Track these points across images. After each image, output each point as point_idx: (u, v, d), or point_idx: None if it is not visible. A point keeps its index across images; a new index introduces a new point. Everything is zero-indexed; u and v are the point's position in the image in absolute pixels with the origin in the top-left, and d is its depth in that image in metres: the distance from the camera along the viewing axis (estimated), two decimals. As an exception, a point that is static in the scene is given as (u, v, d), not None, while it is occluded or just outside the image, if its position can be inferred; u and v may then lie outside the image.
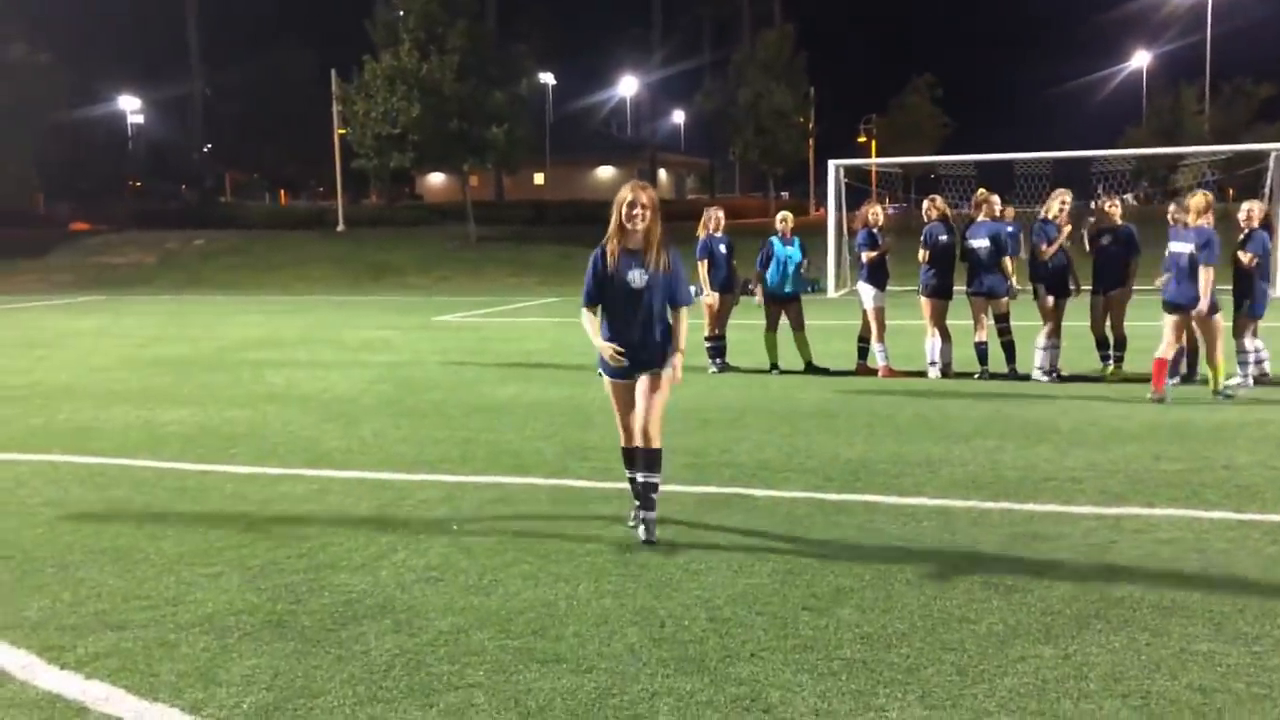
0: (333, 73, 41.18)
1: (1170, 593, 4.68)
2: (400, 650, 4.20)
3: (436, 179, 61.53)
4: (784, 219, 12.43)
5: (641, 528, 5.57)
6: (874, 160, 34.89)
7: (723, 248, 12.15)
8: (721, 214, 12.42)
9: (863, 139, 58.71)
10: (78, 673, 4.05)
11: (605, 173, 65.17)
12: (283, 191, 77.74)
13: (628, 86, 76.32)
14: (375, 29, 36.92)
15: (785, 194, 62.64)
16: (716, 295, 12.08)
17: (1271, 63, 64.46)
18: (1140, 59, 70.97)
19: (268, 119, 56.00)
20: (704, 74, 61.63)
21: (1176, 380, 10.56)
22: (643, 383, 5.56)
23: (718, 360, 12.33)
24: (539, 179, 61.09)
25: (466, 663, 4.07)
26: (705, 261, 12.08)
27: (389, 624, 4.49)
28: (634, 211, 5.44)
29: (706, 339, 12.40)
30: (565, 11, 74.75)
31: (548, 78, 57.73)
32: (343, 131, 40.38)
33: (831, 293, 24.65)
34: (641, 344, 5.55)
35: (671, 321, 5.63)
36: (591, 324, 5.63)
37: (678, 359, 5.59)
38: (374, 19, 37.26)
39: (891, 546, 5.47)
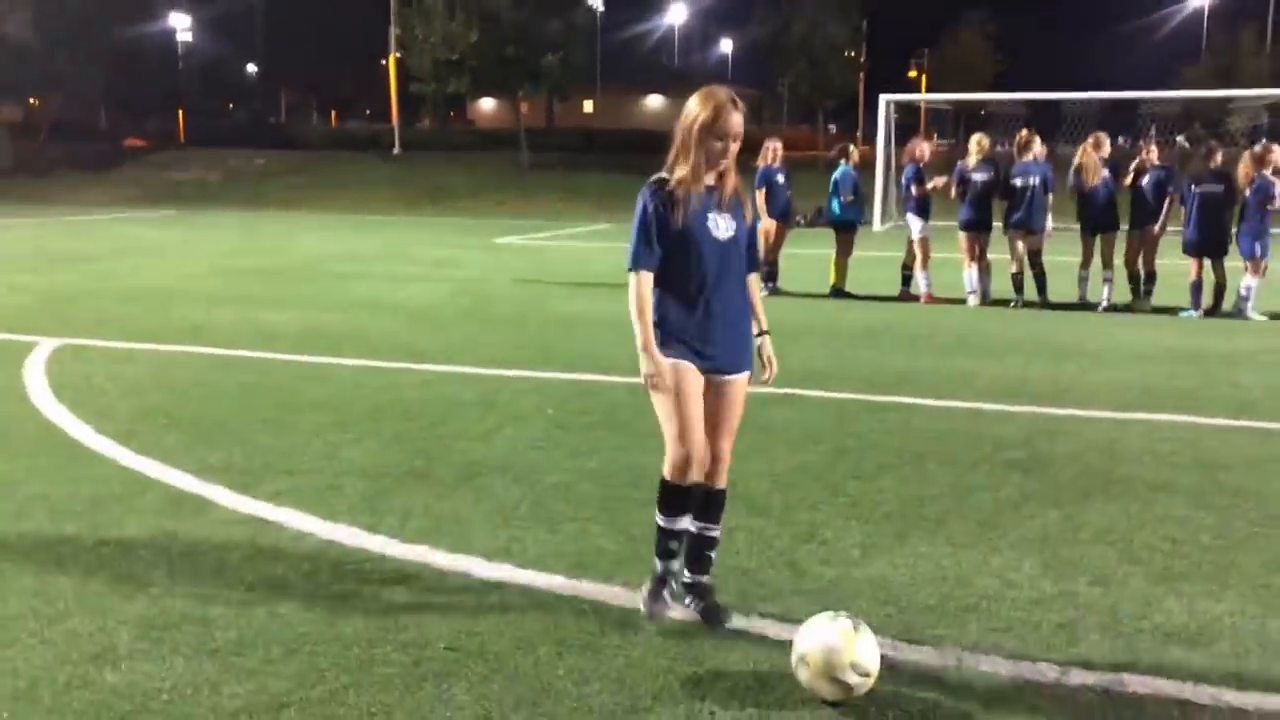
0: (392, -5, 41.81)
1: (1162, 475, 5.58)
2: (523, 495, 5.19)
3: (487, 104, 62.22)
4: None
5: (695, 602, 3.84)
6: (924, 96, 35.12)
7: (780, 178, 12.96)
8: (780, 145, 13.19)
9: (914, 74, 58.50)
10: (268, 502, 5.07)
11: (654, 101, 65.47)
12: (334, 112, 78.78)
13: (677, 14, 76.15)
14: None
15: (834, 127, 62.69)
16: (775, 223, 12.92)
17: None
18: (1198, -1, 69.60)
19: (322, 40, 56.77)
20: (753, 2, 61.51)
21: (1199, 313, 11.33)
22: (724, 390, 3.80)
23: (769, 284, 13.19)
24: (588, 107, 61.55)
25: (579, 504, 5.06)
26: (764, 190, 12.89)
27: (510, 477, 5.48)
28: (727, 149, 3.65)
29: (765, 263, 13.28)
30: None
31: (597, 3, 57.94)
32: (397, 54, 41.11)
33: (878, 226, 25.29)
34: (727, 330, 3.75)
35: (750, 295, 3.89)
36: (644, 303, 3.66)
37: (769, 344, 3.97)
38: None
39: (928, 436, 6.39)
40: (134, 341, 9.37)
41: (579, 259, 18.56)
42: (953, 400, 7.37)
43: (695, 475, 3.76)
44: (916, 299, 12.62)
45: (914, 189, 12.69)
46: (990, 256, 12.47)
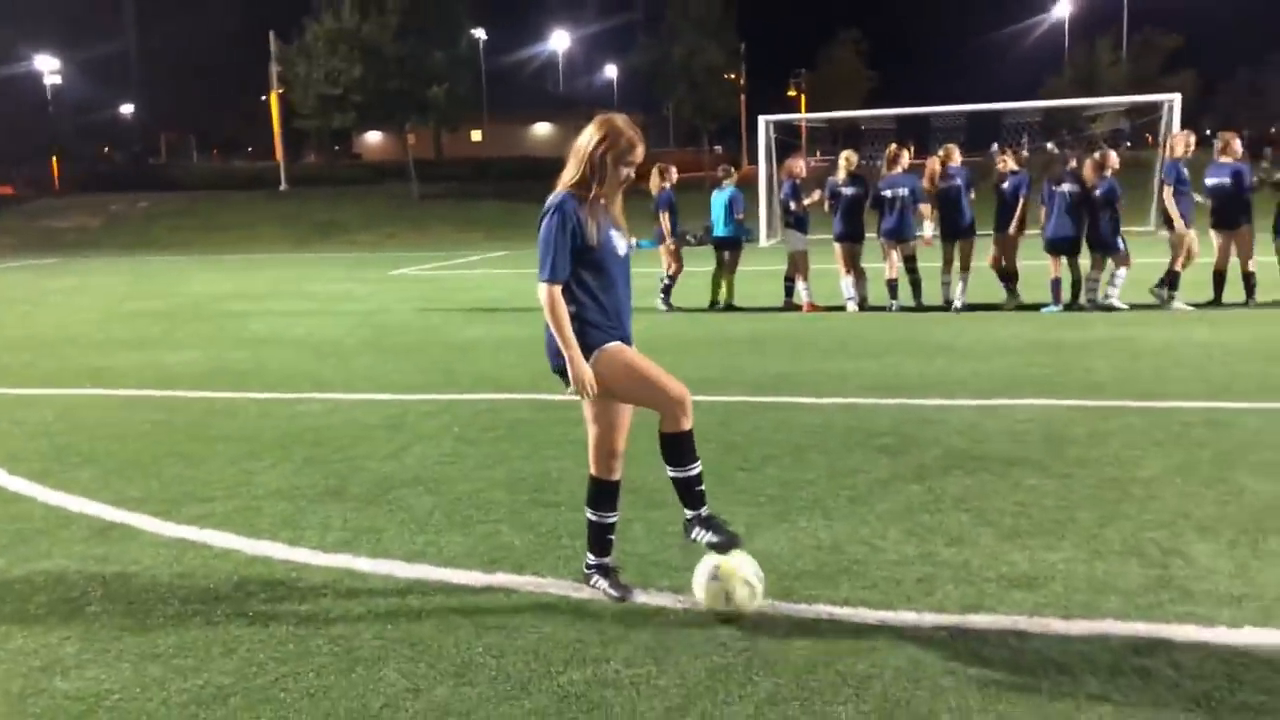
0: (271, 34, 41.55)
1: (1015, 451, 6.20)
2: (435, 505, 5.55)
3: (374, 137, 61.94)
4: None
5: (606, 583, 4.23)
6: (800, 116, 36.31)
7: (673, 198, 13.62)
8: (674, 168, 13.87)
9: (793, 93, 60.15)
10: (192, 526, 5.34)
11: (543, 129, 65.96)
12: (215, 151, 77.46)
13: (560, 41, 76.98)
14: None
15: (719, 148, 64.01)
16: (675, 243, 13.61)
17: (1178, 14, 66.85)
18: (1062, 9, 73.09)
19: (200, 79, 55.91)
20: (636, 29, 62.64)
21: (1059, 307, 12.20)
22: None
23: (667, 302, 13.73)
24: (477, 136, 61.72)
25: (489, 509, 5.44)
26: (667, 212, 13.48)
27: (422, 489, 5.84)
28: (639, 160, 3.98)
29: (669, 278, 13.78)
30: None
31: (479, 33, 58.26)
32: (279, 91, 40.88)
33: (764, 241, 26.10)
34: (628, 319, 4.20)
35: None
36: (561, 311, 3.91)
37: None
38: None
39: (808, 429, 6.92)
40: (34, 388, 9.43)
41: (475, 286, 18.88)
42: (831, 397, 7.94)
43: (686, 422, 4.10)
44: (799, 308, 13.27)
45: (792, 204, 13.37)
46: (869, 265, 13.19)
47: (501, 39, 69.28)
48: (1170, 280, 12.20)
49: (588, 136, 3.96)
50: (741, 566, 3.99)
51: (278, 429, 7.50)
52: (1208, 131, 13.19)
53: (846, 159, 13.15)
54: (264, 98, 48.86)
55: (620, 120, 4.01)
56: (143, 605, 4.30)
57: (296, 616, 4.15)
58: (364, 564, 4.70)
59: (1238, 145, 12.27)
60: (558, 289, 3.92)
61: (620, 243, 4.08)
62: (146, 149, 65.32)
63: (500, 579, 4.47)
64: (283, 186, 43.38)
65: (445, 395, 8.56)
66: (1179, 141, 12.35)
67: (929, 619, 3.93)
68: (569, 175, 3.97)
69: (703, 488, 4.19)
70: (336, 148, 62.58)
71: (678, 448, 4.11)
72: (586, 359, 3.98)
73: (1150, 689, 3.36)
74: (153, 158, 63.78)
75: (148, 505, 5.71)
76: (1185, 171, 12.02)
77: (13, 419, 8.06)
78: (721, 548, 4.03)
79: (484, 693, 3.50)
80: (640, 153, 3.97)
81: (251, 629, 4.04)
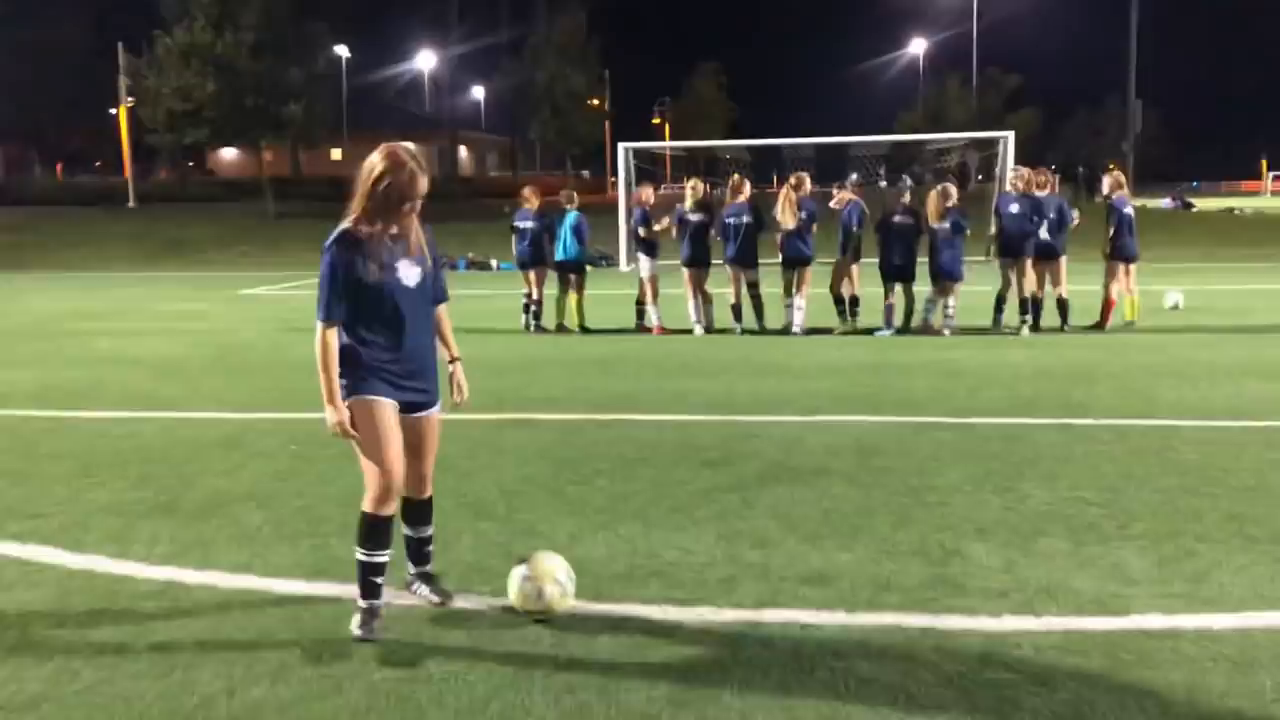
0: (119, 46, 40.29)
1: (827, 463, 6.62)
2: (265, 520, 5.64)
3: (229, 154, 60.43)
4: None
5: (427, 589, 4.41)
6: (661, 144, 37.09)
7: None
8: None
9: (657, 120, 61.24)
10: (12, 541, 5.31)
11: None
12: (59, 166, 74.25)
13: (425, 61, 76.51)
14: (164, 2, 36.49)
15: (585, 172, 64.64)
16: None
17: (1024, 55, 70.63)
18: (916, 46, 76.26)
19: (40, 91, 53.60)
20: (502, 52, 62.81)
21: (891, 331, 12.89)
22: (421, 425, 4.15)
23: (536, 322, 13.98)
24: (336, 154, 60.71)
25: (319, 523, 5.56)
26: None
27: (253, 505, 5.91)
28: (419, 194, 3.92)
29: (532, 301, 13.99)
30: (361, -15, 73.82)
31: (342, 50, 57.52)
32: (127, 105, 39.65)
33: (623, 266, 26.52)
34: (420, 369, 4.06)
35: (439, 324, 4.25)
36: (331, 354, 3.92)
37: (460, 369, 4.35)
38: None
39: (640, 445, 7.23)
40: None
41: (329, 307, 18.72)
42: (667, 414, 8.28)
43: (393, 508, 4.04)
44: (649, 331, 13.64)
45: (641, 231, 13.75)
46: (715, 290, 13.65)
47: (366, 57, 68.29)
48: (1029, 307, 12.86)
49: (369, 167, 3.87)
50: (554, 568, 4.23)
51: (111, 447, 7.43)
52: (1052, 167, 14.27)
53: (693, 188, 13.61)
54: (112, 111, 47.18)
55: (404, 150, 3.91)
56: (-43, 620, 4.30)
57: (117, 625, 4.22)
58: (189, 575, 4.78)
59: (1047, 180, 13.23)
60: (330, 331, 3.90)
61: (412, 274, 3.97)
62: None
63: (323, 588, 4.62)
64: (131, 203, 41.97)
65: (285, 414, 8.59)
66: (1039, 177, 13.11)
67: (727, 615, 4.24)
68: (352, 206, 3.90)
69: (430, 549, 4.44)
70: (190, 164, 60.81)
71: (368, 529, 4.04)
72: (346, 399, 3.96)
73: (913, 671, 3.73)
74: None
75: (-32, 523, 5.63)
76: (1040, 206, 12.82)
77: None
78: (439, 599, 4.34)
79: (299, 692, 3.65)
80: (423, 184, 3.90)
81: (69, 638, 4.10)
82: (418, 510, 4.33)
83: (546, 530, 5.35)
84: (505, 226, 14.80)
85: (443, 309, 4.27)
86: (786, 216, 12.87)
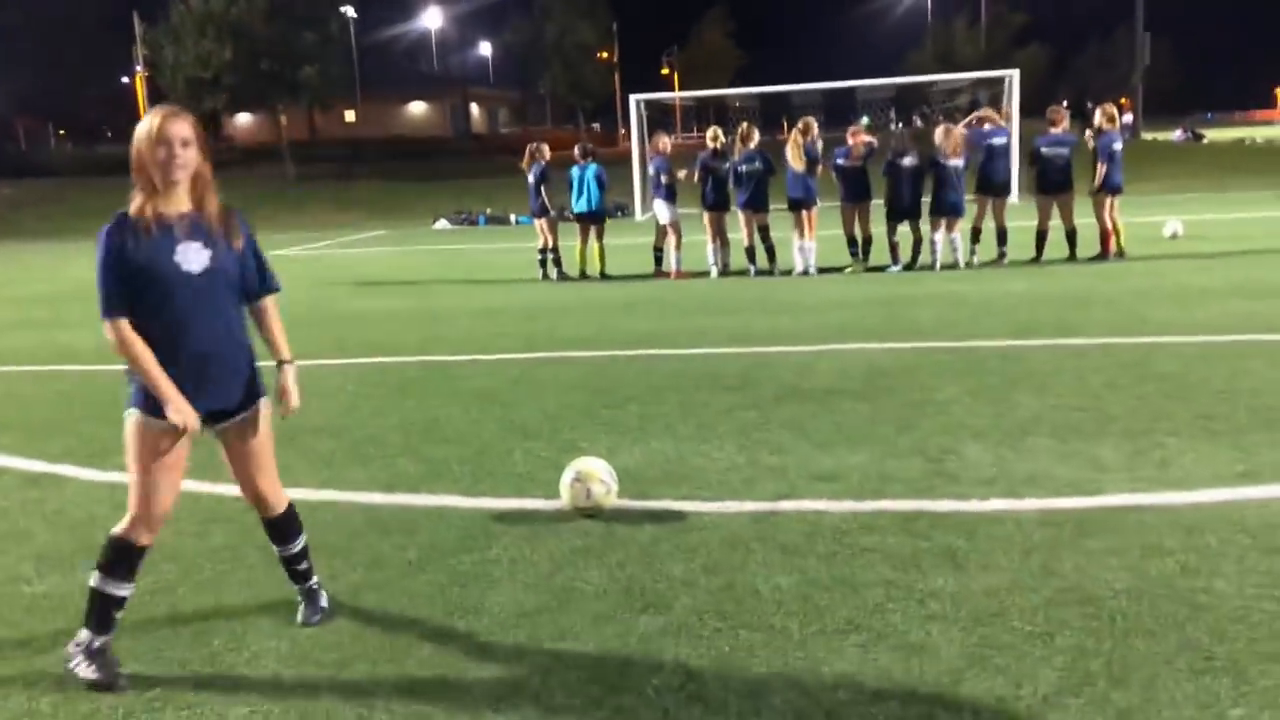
0: (134, 15, 40.73)
1: (838, 384, 7.26)
2: (337, 446, 6.32)
3: (244, 120, 60.89)
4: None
5: (304, 606, 3.94)
6: (672, 94, 37.40)
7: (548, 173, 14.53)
8: (546, 146, 14.81)
9: (665, 71, 61.30)
10: (119, 472, 6.01)
11: (418, 108, 65.69)
12: (71, 136, 75.05)
13: (432, 18, 76.56)
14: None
15: (596, 125, 64.85)
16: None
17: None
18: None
19: (58, 65, 54.16)
20: (509, 6, 62.88)
21: (899, 267, 13.46)
22: (234, 434, 3.68)
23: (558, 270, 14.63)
24: (350, 116, 61.18)
25: (385, 447, 6.24)
26: (544, 186, 14.39)
27: (325, 435, 6.59)
28: (174, 153, 3.32)
29: (550, 250, 14.61)
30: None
31: (349, 11, 57.75)
32: (144, 74, 40.16)
33: (639, 216, 27.08)
34: (219, 370, 3.53)
35: (262, 321, 3.74)
36: (138, 348, 3.36)
37: (291, 374, 3.80)
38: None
39: (667, 374, 7.89)
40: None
41: (358, 263, 19.40)
42: (689, 349, 8.93)
43: (148, 539, 3.50)
44: (668, 275, 14.25)
45: (663, 178, 14.29)
46: (731, 235, 14.24)
47: (373, 17, 68.34)
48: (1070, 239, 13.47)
49: (134, 138, 3.36)
50: (598, 469, 4.91)
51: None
52: (1063, 102, 14.65)
53: (713, 136, 14.14)
54: (126, 80, 47.68)
55: (159, 115, 3.36)
56: (87, 533, 5.01)
57: (228, 535, 4.92)
58: (280, 492, 5.47)
59: (1066, 119, 13.68)
60: (120, 323, 3.33)
61: (197, 259, 3.39)
62: (3, 136, 63.02)
63: (398, 498, 5.31)
64: (152, 171, 42.62)
65: (338, 360, 9.27)
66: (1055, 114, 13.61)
67: (749, 505, 4.92)
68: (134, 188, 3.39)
69: (305, 564, 3.97)
70: (214, 131, 61.40)
71: (111, 552, 3.51)
72: (128, 408, 3.47)
73: (910, 543, 4.39)
74: (9, 145, 61.51)
75: (71, 458, 6.34)
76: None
77: (-80, 395, 8.49)
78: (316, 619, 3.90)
79: (389, 576, 4.35)
80: (174, 128, 3.32)
81: (195, 542, 4.80)
82: (274, 528, 3.89)
83: (587, 446, 6.01)
84: (520, 182, 15.39)
85: (270, 302, 3.71)
86: (795, 160, 13.40)
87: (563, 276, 14.61)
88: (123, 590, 3.54)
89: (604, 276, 14.44)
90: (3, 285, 18.01)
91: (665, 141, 14.90)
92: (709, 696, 3.26)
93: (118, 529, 3.50)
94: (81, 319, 12.83)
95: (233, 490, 5.44)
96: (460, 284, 14.72)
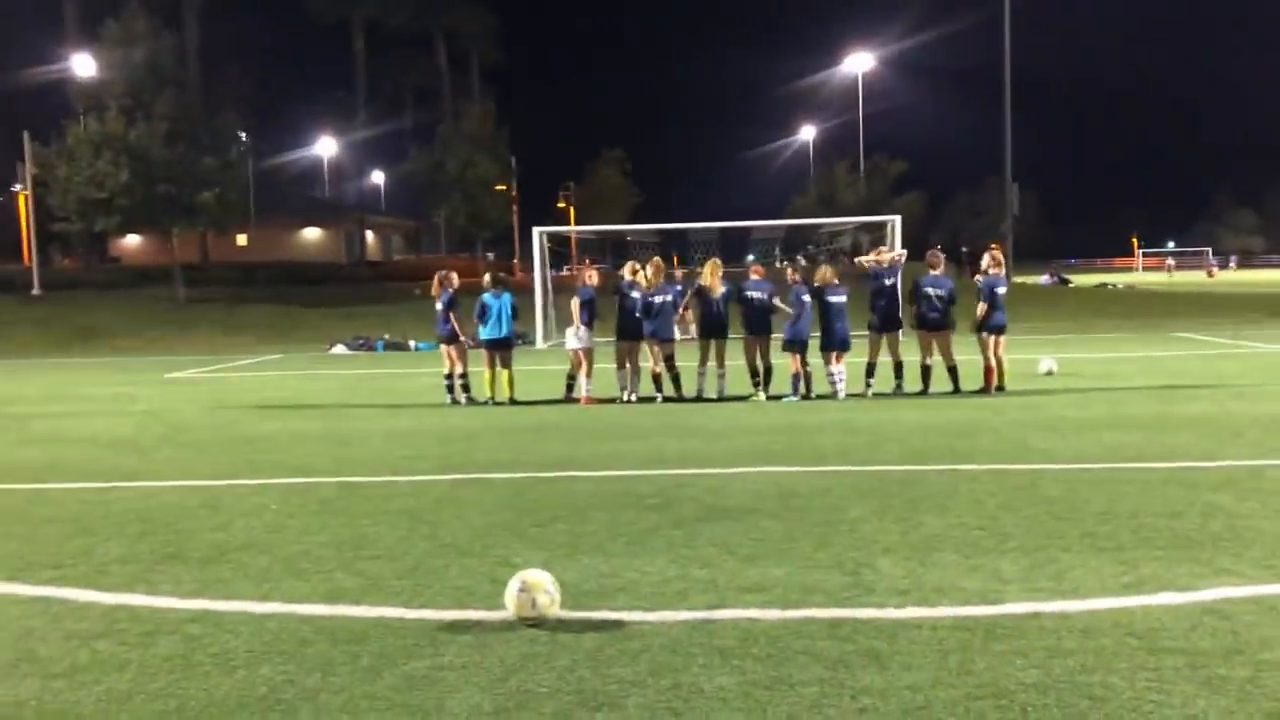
0: (25, 135, 40.28)
1: (753, 503, 7.65)
2: (272, 562, 6.41)
3: (133, 240, 59.92)
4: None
5: None
6: (572, 228, 38.46)
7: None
8: (455, 274, 15.23)
9: (562, 204, 62.86)
10: (49, 586, 5.99)
11: (312, 233, 65.67)
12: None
13: (326, 147, 77.21)
14: (78, 94, 36.82)
15: (491, 254, 65.73)
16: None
17: (910, 141, 74.53)
18: (807, 133, 79.84)
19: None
20: (405, 137, 64.01)
21: (798, 397, 14.09)
22: None
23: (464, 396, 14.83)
24: (242, 240, 60.71)
25: (320, 563, 6.36)
26: (451, 312, 14.68)
27: (255, 551, 6.67)
28: None
29: (459, 375, 14.82)
30: (265, 72, 74.34)
31: (242, 135, 57.90)
32: (26, 193, 39.57)
33: (540, 344, 27.52)
34: None
35: None
36: None
37: None
38: (74, 85, 37.20)
39: (589, 495, 8.17)
40: None
41: (255, 387, 19.25)
42: (603, 471, 9.25)
43: None
44: (577, 401, 14.61)
45: (582, 308, 14.75)
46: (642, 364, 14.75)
47: (266, 142, 68.27)
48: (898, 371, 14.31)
49: None
50: (543, 580, 5.16)
51: (100, 512, 8.08)
52: (938, 246, 15.90)
53: (632, 268, 14.79)
54: (15, 194, 46.70)
55: None
56: (25, 645, 5.01)
57: (172, 644, 4.98)
58: (221, 605, 5.56)
59: (942, 261, 14.74)
60: None
61: None
62: None
63: (341, 609, 5.45)
64: (36, 290, 41.59)
65: (254, 480, 9.31)
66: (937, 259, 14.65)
67: (683, 615, 5.21)
68: None
69: None
70: (101, 251, 60.20)
71: None
72: None
73: (837, 648, 4.73)
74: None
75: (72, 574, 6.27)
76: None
77: None
78: None
79: (345, 680, 4.49)
80: None
81: (137, 654, 4.86)
82: None
83: (521, 562, 6.24)
84: (417, 308, 15.73)
85: None
86: (715, 284, 14.18)
87: (471, 401, 14.84)
88: None
89: (513, 402, 14.72)
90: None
91: (590, 273, 15.51)
92: (671, 783, 3.51)
93: None
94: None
95: (171, 601, 5.56)
96: (367, 408, 14.80)
